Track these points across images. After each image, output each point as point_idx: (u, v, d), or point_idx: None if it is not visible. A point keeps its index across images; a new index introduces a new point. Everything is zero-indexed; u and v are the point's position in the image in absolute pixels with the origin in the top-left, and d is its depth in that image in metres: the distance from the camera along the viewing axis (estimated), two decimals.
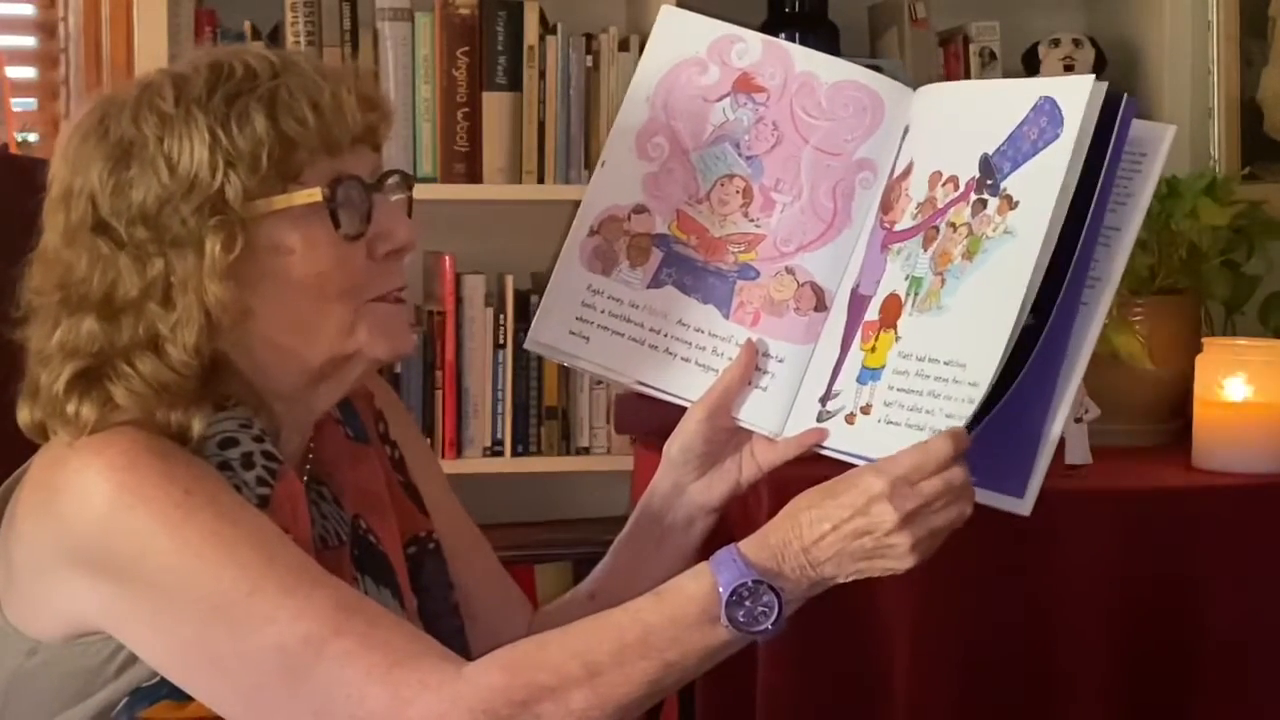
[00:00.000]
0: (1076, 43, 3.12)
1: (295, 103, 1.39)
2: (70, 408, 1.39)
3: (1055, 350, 1.42)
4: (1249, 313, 2.76)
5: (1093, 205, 1.40)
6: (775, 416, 1.54)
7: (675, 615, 1.34)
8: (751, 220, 1.56)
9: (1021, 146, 1.41)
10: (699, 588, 1.34)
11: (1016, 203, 1.39)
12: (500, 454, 2.96)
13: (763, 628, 1.33)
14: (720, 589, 1.33)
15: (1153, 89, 3.13)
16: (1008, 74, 3.14)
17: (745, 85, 1.58)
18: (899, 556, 1.36)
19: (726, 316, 1.56)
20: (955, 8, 3.17)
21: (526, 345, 1.61)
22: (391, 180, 1.48)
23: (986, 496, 1.42)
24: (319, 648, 1.32)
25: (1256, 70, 3.14)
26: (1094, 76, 1.40)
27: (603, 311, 1.58)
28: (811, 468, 1.49)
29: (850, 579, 1.37)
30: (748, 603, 1.33)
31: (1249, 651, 2.24)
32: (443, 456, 2.91)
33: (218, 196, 1.37)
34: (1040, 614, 2.21)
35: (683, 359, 1.56)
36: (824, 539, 1.35)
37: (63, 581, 1.38)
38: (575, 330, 1.58)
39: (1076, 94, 1.38)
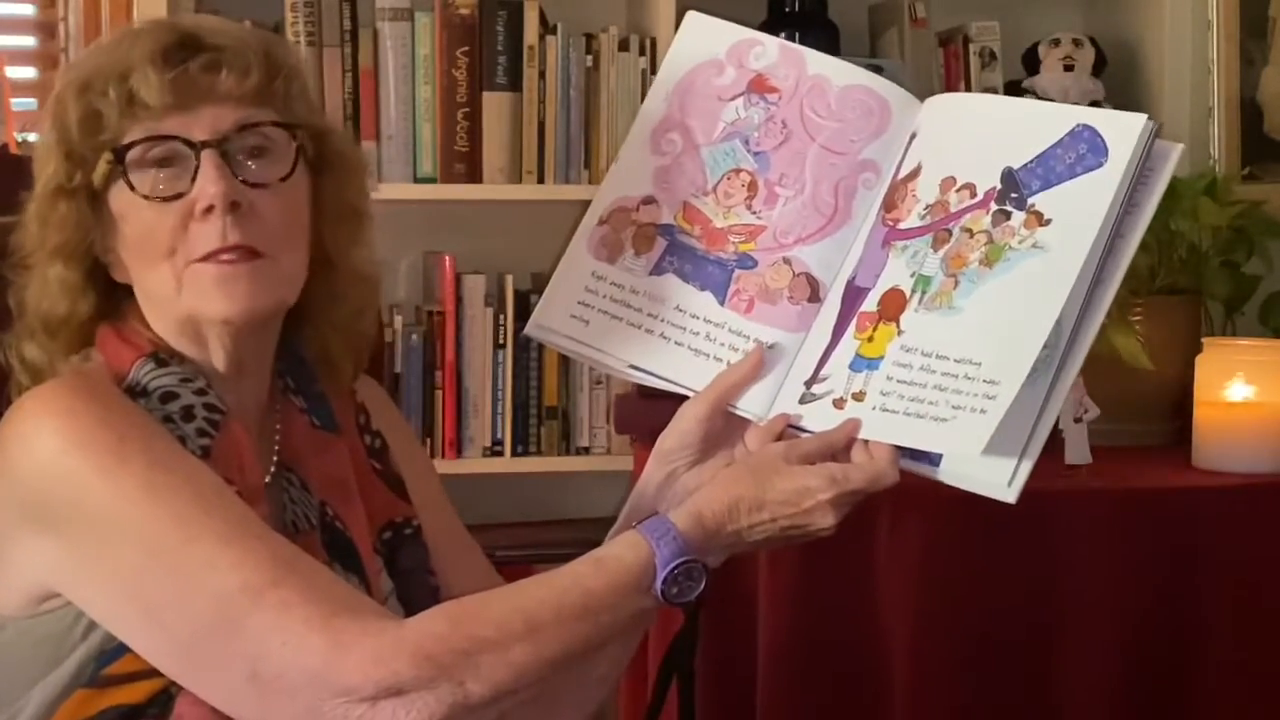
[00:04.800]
0: (1076, 43, 3.12)
1: (102, 77, 1.44)
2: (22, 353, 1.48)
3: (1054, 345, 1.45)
4: (1249, 313, 2.76)
5: (1114, 225, 1.45)
6: (762, 401, 1.56)
7: (614, 583, 1.40)
8: (754, 212, 1.60)
9: (1055, 168, 1.46)
10: (637, 559, 1.41)
11: (1049, 220, 1.44)
12: (500, 454, 2.96)
13: (687, 600, 1.42)
14: (658, 565, 1.40)
15: (1153, 89, 3.13)
16: (1008, 74, 3.14)
17: (759, 86, 1.63)
18: (823, 533, 1.47)
19: (721, 303, 1.59)
20: (955, 8, 3.17)
21: (527, 330, 1.63)
22: (255, 131, 1.46)
23: (973, 484, 1.45)
24: (256, 597, 1.33)
25: (1256, 70, 3.14)
26: (1146, 117, 1.45)
27: (604, 297, 1.61)
28: None
29: (765, 532, 1.46)
30: (680, 578, 1.41)
31: (1249, 651, 2.24)
32: (443, 456, 2.91)
33: (72, 171, 1.45)
34: (1040, 613, 2.21)
35: (676, 343, 1.59)
36: (759, 526, 1.45)
37: (18, 542, 1.39)
38: (576, 314, 1.61)
39: (1127, 131, 1.44)
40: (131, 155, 1.44)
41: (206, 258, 1.44)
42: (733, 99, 1.62)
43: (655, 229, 1.61)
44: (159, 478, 1.36)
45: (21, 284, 1.49)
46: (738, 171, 1.61)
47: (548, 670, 1.38)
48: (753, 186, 1.60)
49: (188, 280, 1.44)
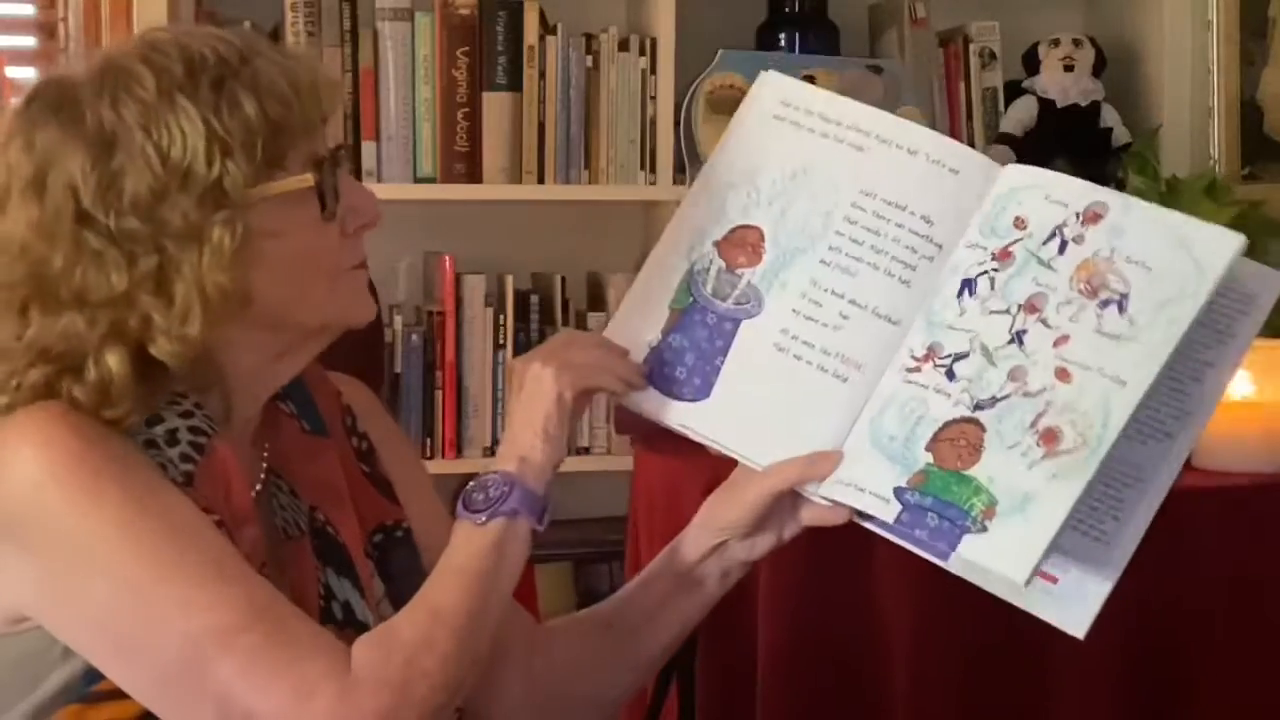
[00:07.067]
0: (1076, 43, 3.13)
1: (276, 85, 1.38)
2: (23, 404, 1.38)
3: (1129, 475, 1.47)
4: None
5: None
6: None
7: (455, 543, 1.43)
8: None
9: None
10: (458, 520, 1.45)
11: None
12: None
13: (509, 507, 1.42)
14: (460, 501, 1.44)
15: (1153, 89, 3.13)
16: (1008, 74, 3.15)
17: None
18: (537, 379, 1.45)
19: None
20: (955, 8, 3.17)
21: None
22: (341, 152, 1.47)
23: (1048, 616, 1.52)
24: (227, 641, 1.32)
25: (1256, 70, 3.14)
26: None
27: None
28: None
29: (525, 427, 1.45)
30: (478, 495, 1.43)
31: (1249, 652, 2.24)
32: (443, 456, 2.91)
33: (216, 186, 1.36)
34: None
35: None
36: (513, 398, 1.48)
37: None
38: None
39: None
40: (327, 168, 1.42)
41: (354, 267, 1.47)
42: None
43: None
44: (133, 516, 1.33)
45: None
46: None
47: (472, 638, 1.38)
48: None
49: (344, 285, 1.45)
